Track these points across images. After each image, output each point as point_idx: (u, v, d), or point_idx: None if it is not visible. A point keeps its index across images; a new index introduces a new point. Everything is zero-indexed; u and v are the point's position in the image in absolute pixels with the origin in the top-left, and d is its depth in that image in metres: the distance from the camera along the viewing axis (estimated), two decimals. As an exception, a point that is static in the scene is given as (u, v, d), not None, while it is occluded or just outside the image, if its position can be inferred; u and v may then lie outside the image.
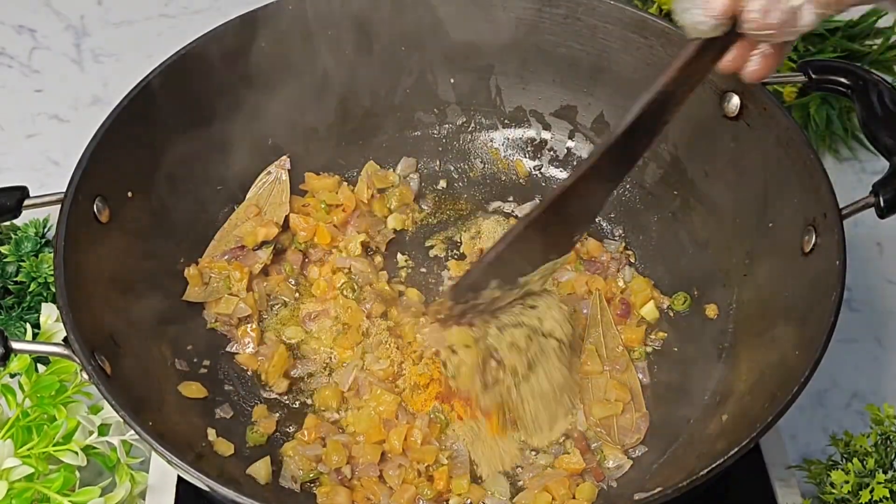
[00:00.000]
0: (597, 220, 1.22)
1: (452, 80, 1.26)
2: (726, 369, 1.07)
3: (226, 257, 1.15)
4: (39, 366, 1.08)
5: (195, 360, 1.11)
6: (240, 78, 1.15)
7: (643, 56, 1.15)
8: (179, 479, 1.05)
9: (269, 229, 1.15)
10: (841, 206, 0.98)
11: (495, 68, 1.25)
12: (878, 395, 1.20)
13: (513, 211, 1.25)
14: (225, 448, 1.03)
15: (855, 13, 1.33)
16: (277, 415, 1.08)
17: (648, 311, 1.15)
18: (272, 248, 1.16)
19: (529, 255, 1.00)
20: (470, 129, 1.29)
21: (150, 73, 1.09)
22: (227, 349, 1.12)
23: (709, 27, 0.80)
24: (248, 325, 1.12)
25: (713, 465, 0.85)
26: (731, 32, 0.82)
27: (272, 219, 1.17)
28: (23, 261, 1.20)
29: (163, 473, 1.05)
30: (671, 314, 1.16)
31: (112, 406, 0.88)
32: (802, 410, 1.18)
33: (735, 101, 1.08)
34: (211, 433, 1.04)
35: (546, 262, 1.02)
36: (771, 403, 0.89)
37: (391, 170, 1.27)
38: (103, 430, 1.04)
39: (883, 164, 1.02)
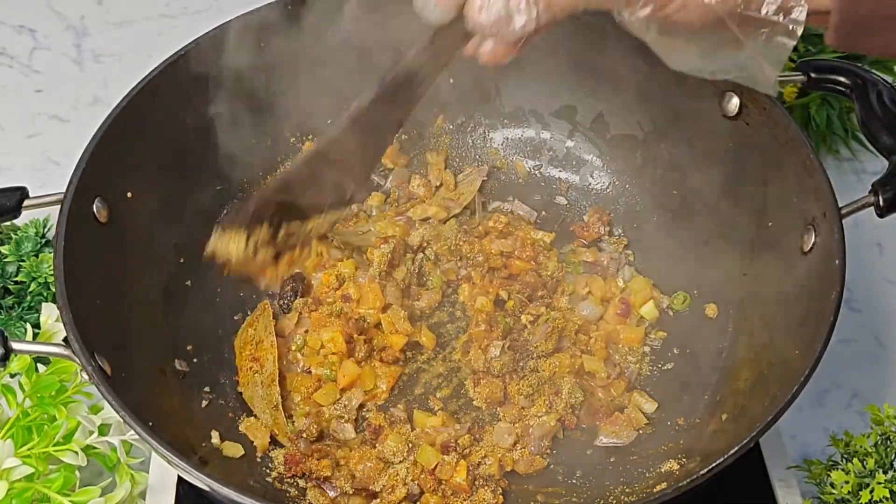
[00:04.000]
0: (599, 222, 1.22)
1: (451, 80, 1.26)
2: (726, 369, 1.07)
3: None
4: (39, 366, 1.08)
5: (195, 360, 1.11)
6: (240, 78, 1.15)
7: (642, 55, 1.14)
8: (179, 479, 1.05)
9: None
10: (840, 205, 0.98)
11: (494, 68, 1.24)
12: (878, 395, 1.20)
13: (512, 210, 1.25)
14: (234, 451, 1.04)
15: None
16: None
17: (648, 310, 1.15)
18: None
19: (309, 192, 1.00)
20: (469, 128, 1.29)
21: (150, 73, 1.09)
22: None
23: (436, 16, 0.84)
24: None
25: (713, 465, 0.85)
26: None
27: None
28: (23, 261, 1.20)
29: (163, 473, 1.05)
30: (671, 313, 1.16)
31: (112, 406, 0.88)
32: (802, 410, 1.18)
33: (735, 100, 1.08)
34: (215, 435, 1.04)
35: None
36: (771, 403, 0.89)
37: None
38: (103, 430, 1.04)
39: (883, 164, 1.02)
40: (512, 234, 1.21)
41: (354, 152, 0.98)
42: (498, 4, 0.81)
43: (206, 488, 0.86)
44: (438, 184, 1.27)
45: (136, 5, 1.64)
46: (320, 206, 0.99)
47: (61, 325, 0.94)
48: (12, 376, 1.10)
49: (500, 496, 1.00)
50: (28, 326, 1.13)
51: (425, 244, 1.19)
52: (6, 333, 0.92)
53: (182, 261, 1.14)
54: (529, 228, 1.22)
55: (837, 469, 1.00)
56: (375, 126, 0.97)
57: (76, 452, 0.99)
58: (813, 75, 1.08)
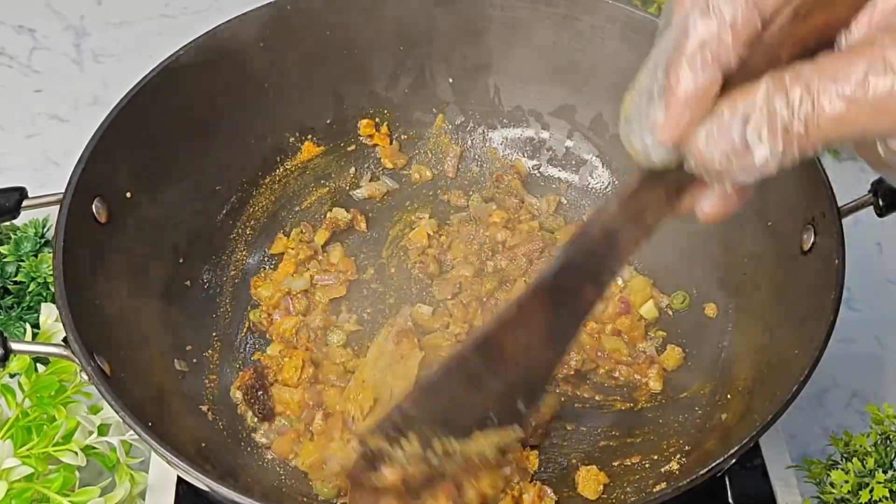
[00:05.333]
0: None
1: (451, 80, 1.26)
2: (725, 368, 1.07)
3: None
4: (39, 366, 1.08)
5: (195, 360, 1.11)
6: (239, 77, 1.15)
7: (642, 56, 1.14)
8: (179, 479, 1.05)
9: None
10: (840, 204, 0.98)
11: (493, 68, 1.25)
12: (878, 394, 1.20)
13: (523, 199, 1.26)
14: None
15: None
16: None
17: (647, 310, 1.15)
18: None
19: (465, 401, 0.77)
20: (468, 128, 1.29)
21: (150, 73, 1.09)
22: None
23: (660, 157, 0.61)
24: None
25: (713, 465, 0.85)
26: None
27: None
28: (22, 261, 1.20)
29: (163, 473, 1.05)
30: (670, 313, 1.16)
31: (112, 406, 0.88)
32: (802, 410, 1.18)
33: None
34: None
35: (486, 428, 0.77)
36: (771, 403, 0.89)
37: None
38: (103, 430, 1.04)
39: (882, 164, 1.02)
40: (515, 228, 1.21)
41: (533, 343, 0.74)
42: (732, 132, 0.57)
43: (206, 488, 0.86)
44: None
45: (136, 5, 1.64)
46: (483, 422, 0.76)
47: (61, 325, 0.94)
48: (12, 376, 1.09)
49: None
50: (27, 326, 1.13)
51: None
52: (5, 334, 0.92)
53: (182, 261, 1.14)
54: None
55: (837, 468, 1.00)
56: (559, 306, 0.73)
57: (76, 452, 0.99)
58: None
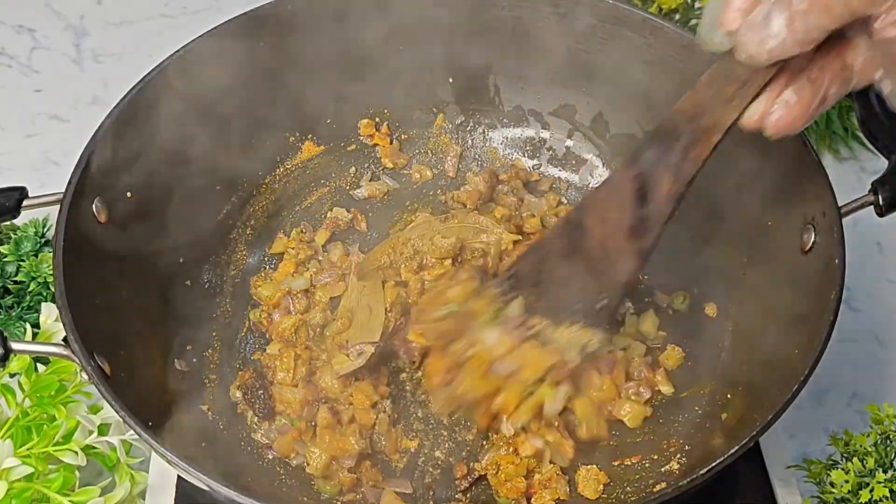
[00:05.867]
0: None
1: (451, 80, 1.26)
2: (725, 368, 1.07)
3: None
4: (39, 365, 1.08)
5: (195, 360, 1.11)
6: (239, 77, 1.15)
7: (642, 55, 1.15)
8: (179, 479, 1.05)
9: None
10: (840, 204, 0.98)
11: (494, 67, 1.25)
12: (878, 394, 1.20)
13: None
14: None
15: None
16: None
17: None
18: None
19: (557, 281, 0.90)
20: (468, 128, 1.30)
21: (150, 73, 1.09)
22: None
23: (719, 37, 0.76)
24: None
25: (713, 465, 0.85)
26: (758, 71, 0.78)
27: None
28: (22, 260, 1.20)
29: (163, 473, 1.05)
30: (670, 313, 1.16)
31: (112, 406, 0.88)
32: (802, 410, 1.18)
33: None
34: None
35: (574, 323, 0.91)
36: (771, 403, 0.89)
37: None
38: (103, 429, 1.04)
39: (882, 164, 1.02)
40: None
41: (616, 234, 0.85)
42: (758, 15, 0.73)
43: (206, 488, 0.86)
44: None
45: (136, 5, 1.64)
46: (572, 314, 0.87)
47: (61, 324, 0.94)
48: (12, 376, 1.10)
49: None
50: (27, 326, 1.13)
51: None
52: (6, 333, 0.91)
53: (182, 261, 1.14)
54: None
55: (837, 468, 1.00)
56: (641, 197, 0.83)
57: (76, 452, 1.00)
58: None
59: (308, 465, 1.03)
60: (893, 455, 1.01)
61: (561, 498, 1.00)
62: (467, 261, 1.11)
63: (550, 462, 1.02)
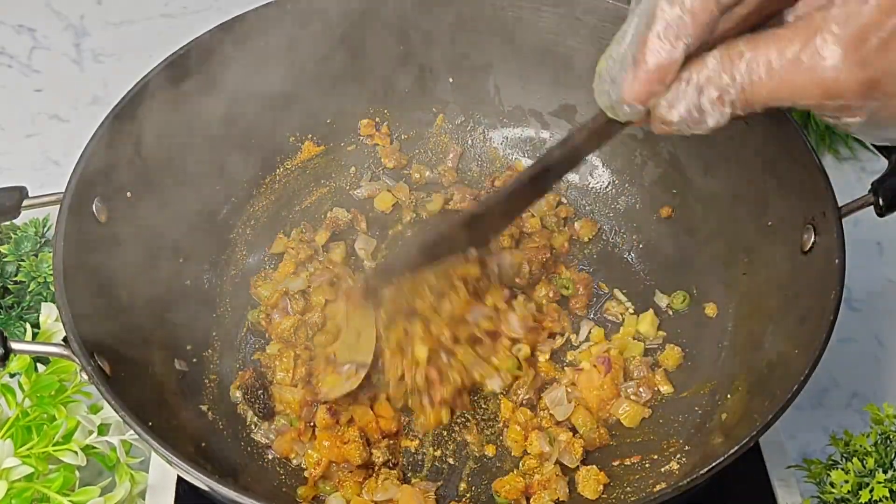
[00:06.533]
0: (598, 222, 1.23)
1: (451, 80, 1.26)
2: (725, 368, 1.07)
3: None
4: (39, 365, 1.08)
5: (195, 360, 1.11)
6: (239, 77, 1.15)
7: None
8: (179, 479, 1.05)
9: None
10: (840, 204, 0.98)
11: (494, 67, 1.25)
12: (878, 394, 1.20)
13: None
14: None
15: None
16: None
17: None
18: None
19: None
20: (468, 128, 1.30)
21: (150, 73, 1.09)
22: None
23: (627, 117, 0.74)
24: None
25: (713, 465, 0.85)
26: None
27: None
28: (22, 260, 1.20)
29: (163, 473, 1.05)
30: (670, 313, 1.16)
31: (112, 406, 0.88)
32: (802, 410, 1.18)
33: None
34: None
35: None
36: (771, 403, 0.89)
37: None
38: (103, 429, 1.04)
39: (882, 164, 1.02)
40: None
41: (495, 219, 1.01)
42: (687, 101, 0.70)
43: (206, 488, 0.86)
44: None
45: (136, 5, 1.64)
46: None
47: (61, 324, 0.94)
48: (12, 376, 1.10)
49: None
50: (28, 326, 1.13)
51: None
52: (6, 333, 0.91)
53: (182, 261, 1.14)
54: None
55: (837, 468, 1.00)
56: (522, 196, 0.97)
57: (76, 452, 0.99)
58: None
59: (306, 468, 1.03)
60: (893, 455, 1.01)
61: (560, 499, 1.00)
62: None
63: (557, 462, 1.02)
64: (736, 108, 0.69)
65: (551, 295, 1.15)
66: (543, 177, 0.93)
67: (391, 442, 1.04)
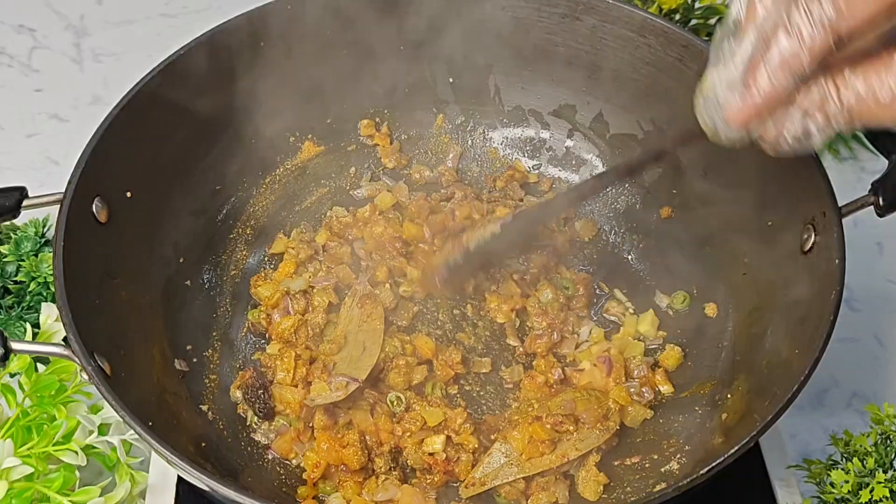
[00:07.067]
0: (598, 222, 1.23)
1: (451, 80, 1.26)
2: (725, 368, 1.07)
3: None
4: (39, 365, 1.08)
5: (195, 360, 1.11)
6: (239, 77, 1.15)
7: (642, 55, 1.15)
8: (179, 479, 1.05)
9: None
10: (840, 205, 0.98)
11: (494, 67, 1.25)
12: (878, 394, 1.20)
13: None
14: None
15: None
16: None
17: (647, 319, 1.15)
18: None
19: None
20: (468, 128, 1.30)
21: (150, 73, 1.09)
22: None
23: (728, 142, 0.78)
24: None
25: (713, 465, 0.85)
26: None
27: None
28: (22, 260, 1.20)
29: (163, 473, 1.05)
30: (671, 313, 1.16)
31: (112, 406, 0.88)
32: (802, 410, 1.18)
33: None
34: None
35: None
36: (771, 403, 0.89)
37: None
38: (103, 429, 1.04)
39: (882, 164, 1.02)
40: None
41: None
42: (794, 126, 0.74)
43: (206, 488, 0.86)
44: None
45: (136, 5, 1.64)
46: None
47: (61, 324, 0.94)
48: (12, 376, 1.10)
49: None
50: (28, 326, 1.13)
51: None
52: (6, 333, 0.91)
53: (182, 261, 1.14)
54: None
55: (837, 468, 1.00)
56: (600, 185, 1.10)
57: (76, 452, 1.00)
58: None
59: (305, 470, 1.03)
60: (893, 455, 1.01)
61: (560, 502, 1.00)
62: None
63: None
64: (840, 128, 0.73)
65: (552, 295, 1.15)
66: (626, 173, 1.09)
67: (392, 448, 1.04)
